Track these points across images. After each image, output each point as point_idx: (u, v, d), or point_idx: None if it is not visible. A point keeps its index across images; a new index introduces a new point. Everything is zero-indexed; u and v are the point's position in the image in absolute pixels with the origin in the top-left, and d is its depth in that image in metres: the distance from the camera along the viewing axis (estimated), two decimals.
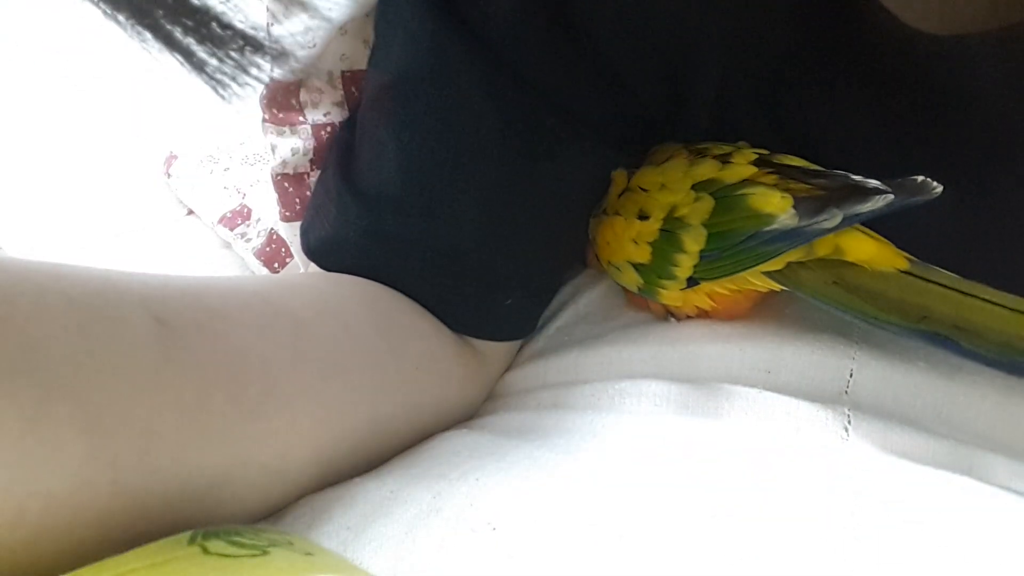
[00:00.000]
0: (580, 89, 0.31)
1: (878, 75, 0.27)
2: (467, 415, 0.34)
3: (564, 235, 0.34)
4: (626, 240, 0.32)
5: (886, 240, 0.27)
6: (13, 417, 0.17)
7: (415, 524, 0.22)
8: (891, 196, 0.25)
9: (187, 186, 0.64)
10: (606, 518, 0.22)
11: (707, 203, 0.29)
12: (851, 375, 0.27)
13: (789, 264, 0.28)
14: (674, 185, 0.30)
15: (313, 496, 0.25)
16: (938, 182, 0.27)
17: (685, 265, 0.30)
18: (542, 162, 0.31)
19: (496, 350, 0.36)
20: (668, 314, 0.33)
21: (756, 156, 0.29)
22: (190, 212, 0.66)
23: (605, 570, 0.20)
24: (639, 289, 0.33)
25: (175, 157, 0.66)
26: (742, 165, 0.29)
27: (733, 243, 0.28)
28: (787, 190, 0.27)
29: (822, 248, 0.27)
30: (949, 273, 0.26)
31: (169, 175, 0.66)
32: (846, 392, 0.26)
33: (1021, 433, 0.25)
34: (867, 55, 0.27)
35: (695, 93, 0.32)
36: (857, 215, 0.26)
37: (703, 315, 0.32)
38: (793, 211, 0.26)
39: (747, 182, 0.28)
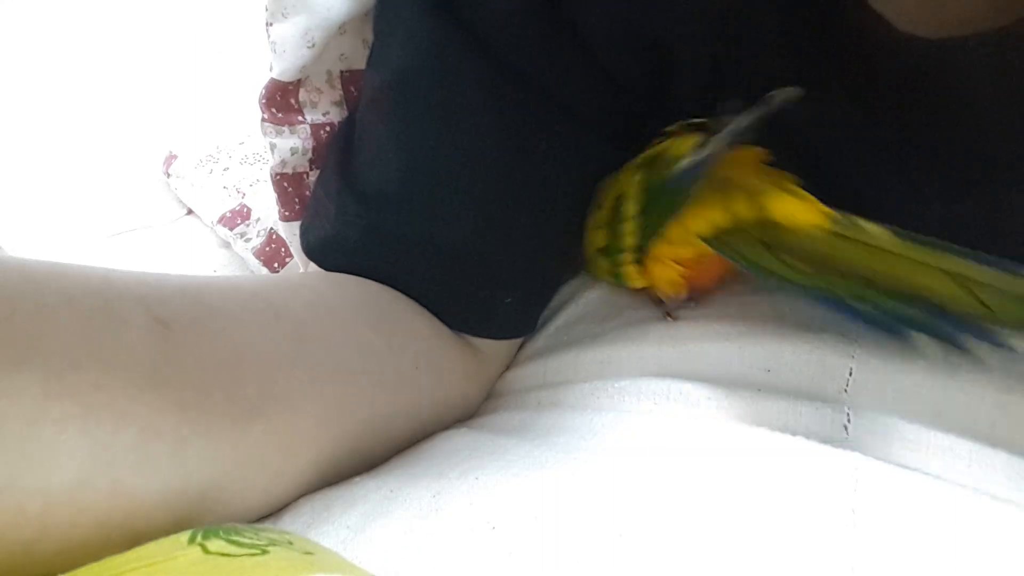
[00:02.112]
0: (575, 85, 0.31)
1: (871, 79, 0.27)
2: (467, 414, 0.34)
3: (563, 232, 0.34)
4: (590, 232, 0.34)
5: (813, 198, 0.27)
6: (13, 417, 0.17)
7: (414, 523, 0.22)
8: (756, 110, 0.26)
9: (186, 186, 0.65)
10: (605, 517, 0.22)
11: (641, 173, 0.31)
12: (851, 374, 0.27)
13: (720, 229, 0.28)
14: (622, 172, 0.33)
15: (313, 495, 0.25)
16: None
17: (629, 232, 0.31)
18: (540, 159, 0.31)
19: (496, 349, 0.36)
20: (664, 312, 0.33)
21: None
22: (189, 212, 0.66)
23: (604, 569, 0.20)
24: (614, 278, 0.33)
25: (175, 157, 0.66)
26: (686, 140, 0.30)
27: (655, 197, 0.30)
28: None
29: (745, 210, 0.28)
30: (877, 227, 0.25)
31: (169, 175, 0.66)
32: (845, 391, 0.26)
33: (1020, 430, 0.25)
34: (860, 59, 0.27)
35: (681, 92, 0.32)
36: (727, 134, 0.27)
37: (688, 291, 0.32)
38: (697, 150, 0.28)
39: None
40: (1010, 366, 0.26)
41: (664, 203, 0.29)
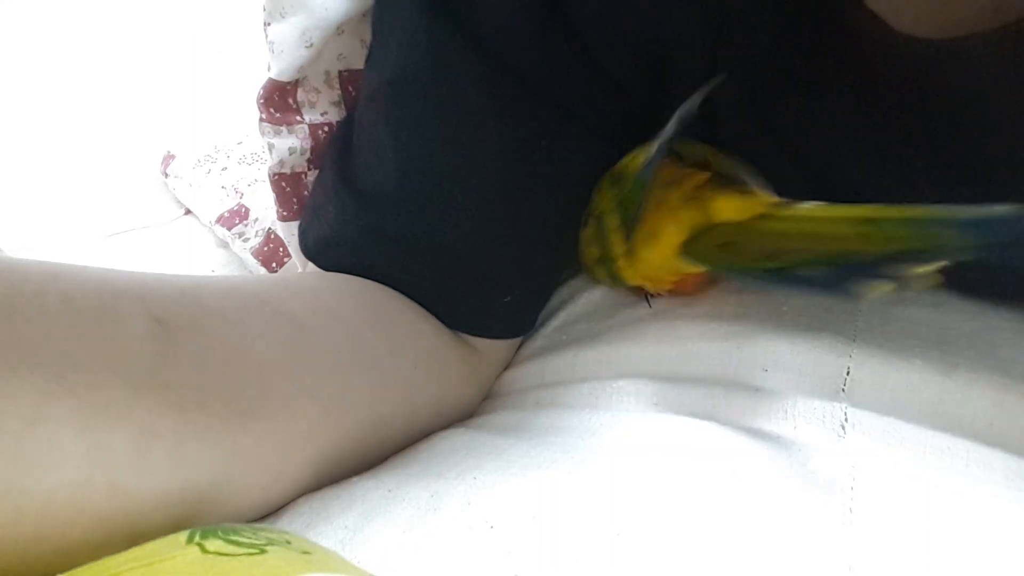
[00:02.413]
0: (574, 85, 0.31)
1: (870, 80, 0.27)
2: (465, 414, 0.34)
3: (561, 232, 0.34)
4: (584, 246, 0.35)
5: (757, 191, 0.28)
6: (12, 417, 0.17)
7: (413, 523, 0.22)
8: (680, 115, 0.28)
9: (185, 186, 0.65)
10: (603, 516, 0.22)
11: (612, 190, 0.32)
12: (848, 372, 0.27)
13: (687, 240, 0.29)
14: (597, 192, 0.34)
15: (311, 495, 0.25)
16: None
17: (616, 242, 0.32)
18: (538, 158, 0.31)
19: (494, 349, 0.36)
20: (645, 298, 0.34)
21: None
22: (188, 212, 0.66)
23: (602, 568, 0.20)
24: (613, 280, 0.34)
25: (173, 157, 0.66)
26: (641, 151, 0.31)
27: (627, 201, 0.31)
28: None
29: (694, 217, 0.29)
30: (812, 204, 0.26)
31: (167, 175, 0.66)
32: (843, 389, 0.26)
33: (1017, 429, 0.25)
34: (857, 59, 0.27)
35: (680, 92, 0.32)
36: (661, 142, 0.28)
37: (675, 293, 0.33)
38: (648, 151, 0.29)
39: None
40: (1007, 366, 0.26)
41: (632, 199, 0.31)
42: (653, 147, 0.29)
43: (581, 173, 0.33)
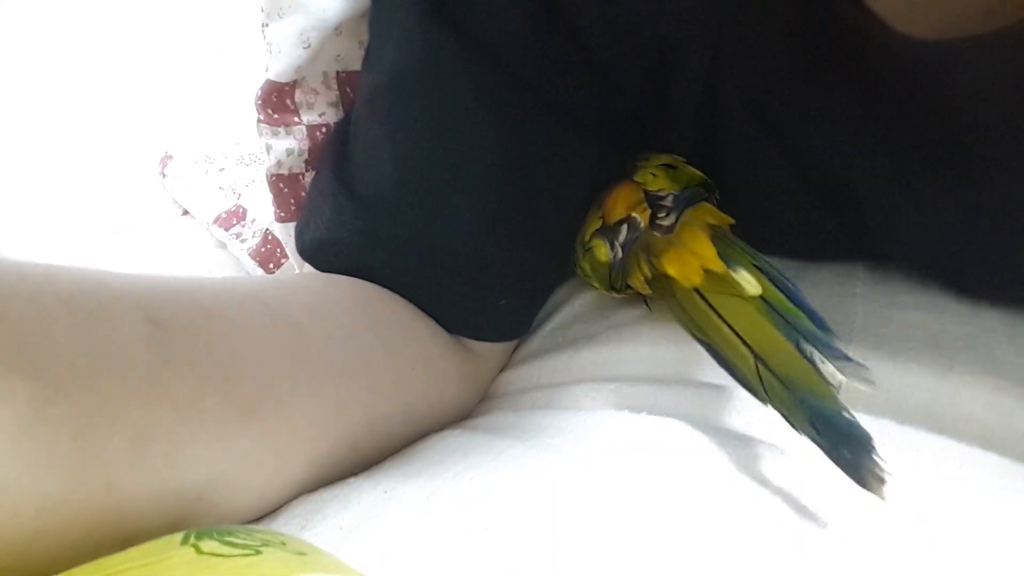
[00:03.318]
0: (572, 86, 0.31)
1: (869, 80, 0.27)
2: (462, 415, 0.34)
3: (558, 235, 0.35)
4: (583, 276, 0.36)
5: (703, 254, 0.29)
6: (8, 419, 0.17)
7: (409, 524, 0.22)
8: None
9: (183, 186, 0.64)
10: (600, 517, 0.22)
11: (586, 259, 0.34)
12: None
13: (647, 279, 0.31)
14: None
15: (307, 496, 0.25)
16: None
17: (605, 288, 0.34)
18: (535, 160, 0.31)
19: (491, 351, 0.36)
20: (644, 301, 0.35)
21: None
22: (185, 212, 0.66)
23: (600, 569, 0.20)
24: (611, 285, 0.34)
25: (170, 157, 0.66)
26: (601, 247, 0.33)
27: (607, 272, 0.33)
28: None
29: (645, 267, 0.31)
30: (744, 281, 0.27)
31: (165, 175, 0.66)
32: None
33: (1011, 433, 0.25)
34: (857, 61, 0.27)
35: (678, 93, 0.32)
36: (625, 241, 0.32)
37: None
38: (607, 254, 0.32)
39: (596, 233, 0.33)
40: (1002, 368, 0.26)
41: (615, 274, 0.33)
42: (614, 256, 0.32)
43: (578, 175, 0.33)
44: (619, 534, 0.21)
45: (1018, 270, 0.28)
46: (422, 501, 0.23)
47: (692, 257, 0.29)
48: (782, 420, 0.25)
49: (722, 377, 0.29)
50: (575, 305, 0.37)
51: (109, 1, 0.75)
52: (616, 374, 0.31)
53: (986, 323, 0.29)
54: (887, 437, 0.25)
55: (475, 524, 0.22)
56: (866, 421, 0.25)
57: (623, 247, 0.32)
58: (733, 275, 0.28)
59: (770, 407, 0.25)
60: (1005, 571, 0.20)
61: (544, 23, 0.30)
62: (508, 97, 0.30)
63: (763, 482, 0.23)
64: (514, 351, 0.38)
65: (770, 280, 0.28)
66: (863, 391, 0.24)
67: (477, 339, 0.34)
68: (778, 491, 0.23)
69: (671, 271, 0.30)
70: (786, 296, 0.27)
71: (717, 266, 0.29)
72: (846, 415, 0.23)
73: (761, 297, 0.27)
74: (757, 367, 0.26)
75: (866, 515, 0.21)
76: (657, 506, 0.22)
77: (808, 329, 0.26)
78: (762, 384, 0.25)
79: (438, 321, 0.33)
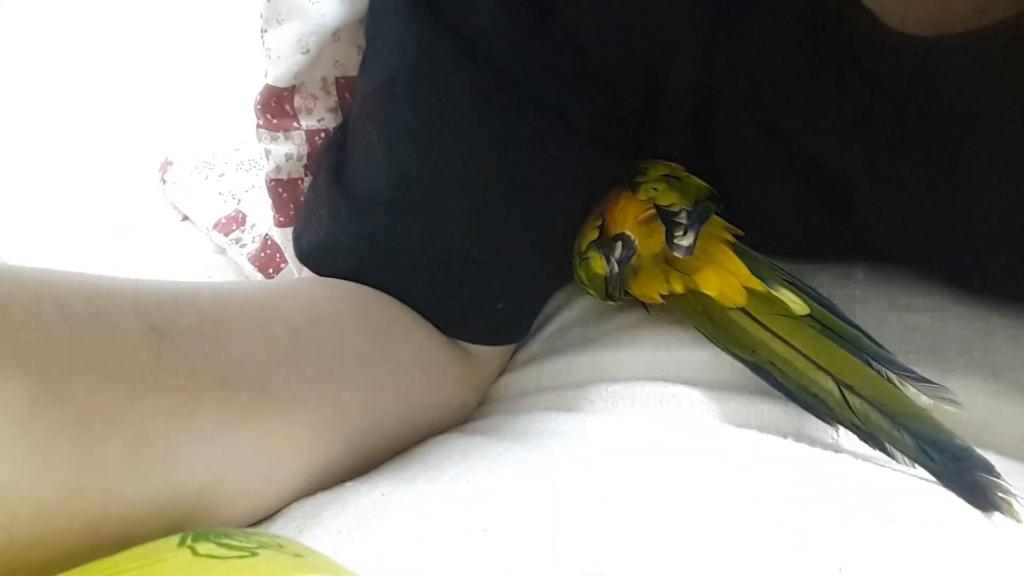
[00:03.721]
0: (567, 90, 0.31)
1: (864, 77, 0.27)
2: (460, 419, 0.34)
3: (556, 238, 0.35)
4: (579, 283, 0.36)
5: (739, 272, 0.29)
6: (5, 423, 0.17)
7: (406, 527, 0.22)
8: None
9: (182, 192, 0.65)
10: (598, 520, 0.22)
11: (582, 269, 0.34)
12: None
13: (670, 293, 0.30)
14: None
15: (304, 500, 0.25)
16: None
17: (602, 296, 0.34)
18: (530, 164, 0.31)
19: (489, 354, 0.36)
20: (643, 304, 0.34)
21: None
22: (185, 218, 0.66)
23: (598, 570, 0.20)
24: (608, 295, 0.34)
25: (170, 163, 0.66)
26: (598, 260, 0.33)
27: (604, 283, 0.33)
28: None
29: (677, 284, 0.30)
30: (789, 301, 0.27)
31: (164, 181, 0.66)
32: None
33: (1011, 435, 0.25)
34: (852, 58, 0.27)
35: (672, 95, 0.32)
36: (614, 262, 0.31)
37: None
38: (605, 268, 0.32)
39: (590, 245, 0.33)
40: (1001, 371, 0.26)
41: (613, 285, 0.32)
42: (611, 270, 0.31)
43: (574, 179, 0.33)
44: (617, 535, 0.21)
45: (1017, 269, 0.28)
46: (420, 504, 0.23)
47: (730, 276, 0.28)
48: (862, 443, 0.24)
49: (721, 379, 0.29)
50: (574, 309, 0.37)
51: (110, 4, 0.75)
52: (615, 378, 0.31)
53: (986, 326, 0.29)
54: None
55: (473, 526, 0.22)
56: None
57: (619, 263, 0.31)
58: (775, 293, 0.27)
59: (852, 433, 0.24)
60: (1005, 571, 0.20)
61: (537, 26, 0.30)
62: (502, 100, 0.30)
63: (763, 482, 0.23)
64: (513, 355, 0.38)
65: (807, 295, 0.27)
66: (950, 413, 0.24)
67: (474, 343, 0.34)
68: (778, 491, 0.23)
69: (709, 291, 0.29)
70: (831, 312, 0.26)
71: (756, 284, 0.28)
72: (958, 441, 0.23)
73: (809, 315, 0.26)
74: (843, 393, 0.25)
75: (866, 515, 0.21)
76: (656, 507, 0.22)
77: (872, 348, 0.25)
78: (851, 410, 0.24)
79: (436, 325, 0.33)
